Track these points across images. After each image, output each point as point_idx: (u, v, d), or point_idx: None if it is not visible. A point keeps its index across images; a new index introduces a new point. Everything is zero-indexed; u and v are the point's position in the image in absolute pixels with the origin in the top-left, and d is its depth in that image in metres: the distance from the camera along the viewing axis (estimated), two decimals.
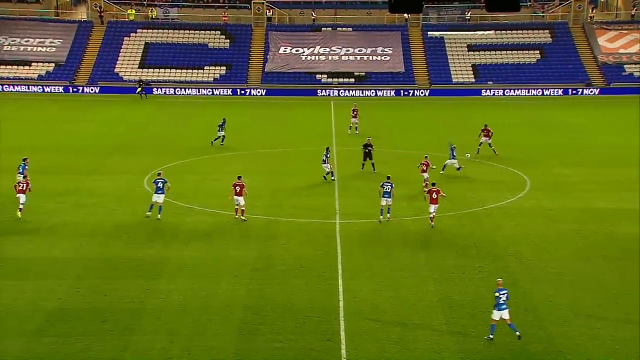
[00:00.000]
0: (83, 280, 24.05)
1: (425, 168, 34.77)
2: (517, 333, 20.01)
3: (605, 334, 20.29)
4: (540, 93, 69.53)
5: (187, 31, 77.03)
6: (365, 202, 33.42)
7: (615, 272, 24.59)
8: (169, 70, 73.30)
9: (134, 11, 78.86)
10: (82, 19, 78.90)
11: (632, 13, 77.94)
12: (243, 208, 30.49)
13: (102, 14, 77.55)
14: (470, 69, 73.41)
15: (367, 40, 75.80)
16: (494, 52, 74.51)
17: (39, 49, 74.10)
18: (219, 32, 77.18)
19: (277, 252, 26.94)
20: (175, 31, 77.09)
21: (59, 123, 53.93)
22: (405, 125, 54.23)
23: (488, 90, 70.41)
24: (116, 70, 73.05)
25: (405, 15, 77.39)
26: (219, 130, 45.13)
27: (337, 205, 32.85)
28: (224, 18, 78.83)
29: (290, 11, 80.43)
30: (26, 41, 74.62)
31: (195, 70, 73.41)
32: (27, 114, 58.18)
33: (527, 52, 74.35)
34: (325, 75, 73.17)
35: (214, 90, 71.02)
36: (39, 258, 25.97)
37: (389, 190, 30.29)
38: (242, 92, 71.14)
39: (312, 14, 79.49)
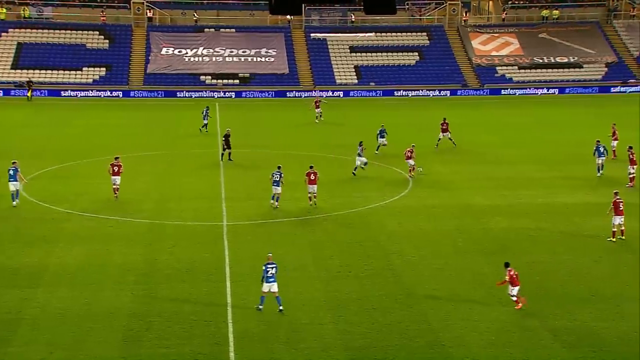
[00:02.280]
0: None
1: (409, 154, 37.91)
2: (281, 307, 21.47)
3: (483, 326, 21.16)
4: (420, 94, 71.69)
5: (64, 31, 74.31)
6: (252, 203, 33.40)
7: (493, 265, 25.70)
8: (44, 71, 70.49)
9: (4, 10, 75.25)
10: None
11: (503, 17, 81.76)
12: (118, 187, 33.23)
13: None
14: (353, 70, 74.75)
15: (251, 42, 75.71)
16: (375, 54, 76.19)
17: None
18: (98, 32, 74.94)
19: (163, 256, 26.47)
20: (51, 31, 74.19)
21: None
22: (288, 127, 54.47)
23: (372, 91, 71.94)
24: None
25: (288, 16, 77.88)
26: (204, 118, 49.09)
27: (224, 207, 32.64)
28: (102, 18, 76.55)
29: (171, 12, 79.15)
30: None
31: (73, 72, 70.97)
32: None
33: (406, 54, 76.47)
34: (210, 77, 72.52)
35: (93, 92, 68.91)
36: None
37: (277, 179, 31.73)
38: (124, 93, 69.36)
39: (194, 15, 78.54)
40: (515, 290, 21.97)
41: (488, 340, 20.37)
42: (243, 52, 74.95)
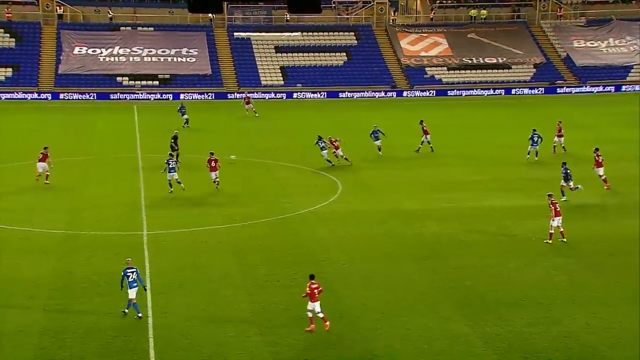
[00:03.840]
0: None
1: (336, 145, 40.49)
2: (140, 315, 21.75)
3: (414, 334, 21.50)
4: (348, 95, 72.35)
5: None
6: (173, 211, 33.05)
7: (423, 271, 26.14)
8: None
9: None
10: None
11: (431, 16, 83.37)
12: (48, 173, 36.31)
13: None
14: (279, 71, 74.85)
15: (171, 41, 74.90)
16: (301, 54, 76.50)
17: None
18: (3, 30, 72.80)
19: (79, 268, 25.93)
20: None
21: None
22: (213, 130, 54.11)
23: (299, 93, 72.15)
24: None
25: (210, 15, 77.36)
26: (182, 115, 51.86)
27: (144, 216, 32.19)
28: (7, 15, 74.38)
29: (83, 8, 77.54)
30: None
31: None
32: None
33: (333, 54, 77.05)
34: (127, 78, 71.36)
35: None
36: None
37: (173, 166, 35.36)
38: (33, 96, 67.52)
39: (108, 12, 77.19)
40: (316, 307, 21.07)
41: (420, 349, 20.70)
42: (162, 51, 74.07)
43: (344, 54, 77.22)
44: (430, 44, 79.10)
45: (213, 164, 36.21)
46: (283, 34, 77.52)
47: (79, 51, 72.60)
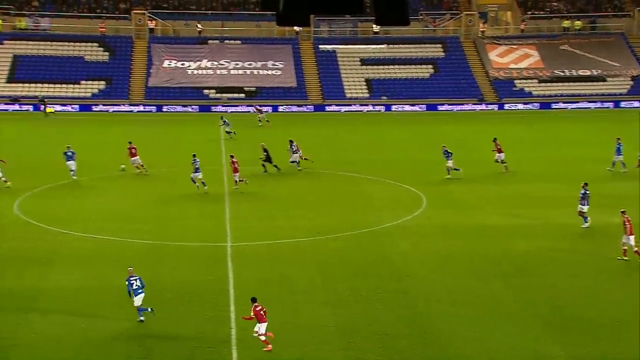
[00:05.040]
0: None
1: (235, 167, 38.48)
2: (142, 318, 22.37)
3: (503, 354, 21.05)
4: (434, 108, 71.86)
5: (61, 43, 75.02)
6: (257, 223, 33.47)
7: (510, 289, 25.61)
8: (41, 84, 71.06)
9: (0, 21, 75.95)
10: None
11: (522, 28, 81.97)
12: (142, 164, 41.06)
13: None
14: (364, 83, 75.02)
15: (257, 54, 76.16)
16: (387, 67, 76.49)
17: None
18: (97, 44, 75.56)
19: (164, 278, 26.51)
20: (48, 43, 74.90)
21: None
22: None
23: (382, 106, 72.14)
24: None
25: (296, 28, 78.40)
26: (226, 125, 54.75)
27: (228, 227, 32.71)
28: (101, 29, 77.20)
29: (174, 22, 79.74)
30: None
31: (71, 85, 71.54)
32: None
33: (420, 66, 76.75)
34: (214, 91, 72.94)
35: (92, 106, 69.44)
36: None
37: (198, 167, 37.86)
38: (124, 108, 69.80)
39: (197, 26, 79.10)
40: (262, 328, 20.72)
41: None
42: (249, 64, 75.41)
43: (431, 66, 76.79)
44: (520, 56, 77.82)
45: (235, 165, 38.25)
46: (369, 46, 77.71)
47: (168, 64, 74.70)
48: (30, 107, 67.82)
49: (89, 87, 71.95)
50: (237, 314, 23.29)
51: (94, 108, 69.47)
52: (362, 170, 44.03)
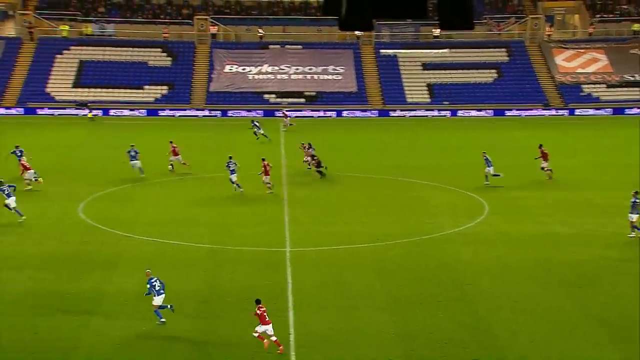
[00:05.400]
0: (10, 317, 23.57)
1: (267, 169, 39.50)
2: (163, 320, 22.84)
3: None
4: (501, 113, 71.02)
5: (126, 48, 76.62)
6: (316, 228, 33.62)
7: (576, 299, 25.17)
8: (105, 89, 72.75)
9: (67, 27, 78.04)
10: (11, 36, 77.78)
11: (590, 31, 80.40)
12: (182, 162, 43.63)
13: (32, 29, 76.64)
14: (426, 88, 74.64)
15: (318, 59, 76.53)
16: (449, 71, 75.93)
17: None
18: (160, 50, 76.98)
19: (224, 282, 26.88)
20: (112, 48, 76.59)
21: None
22: (356, 147, 54.73)
23: (445, 111, 71.65)
24: (47, 90, 72.19)
25: (357, 32, 78.48)
26: (257, 129, 55.89)
27: (287, 232, 32.95)
28: (164, 35, 78.66)
29: (236, 28, 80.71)
30: None
31: (135, 90, 73.03)
32: None
33: (483, 71, 75.98)
34: (274, 95, 73.57)
35: (155, 111, 70.75)
36: None
37: (233, 168, 38.97)
38: (186, 112, 70.87)
39: (258, 31, 79.91)
40: (268, 330, 21.19)
41: None
42: (309, 69, 75.81)
43: (494, 71, 75.97)
44: (588, 60, 76.35)
45: (267, 168, 39.09)
46: (430, 50, 77.30)
47: (229, 69, 75.65)
48: (99, 112, 69.41)
49: (152, 92, 73.35)
50: (296, 319, 23.47)
51: (156, 113, 70.72)
52: (423, 176, 43.82)
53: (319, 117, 70.42)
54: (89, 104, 68.97)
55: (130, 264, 28.72)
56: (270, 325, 21.31)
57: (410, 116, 70.71)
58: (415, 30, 79.78)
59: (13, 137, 57.97)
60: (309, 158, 44.41)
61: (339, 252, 30.27)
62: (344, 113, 70.95)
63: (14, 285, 26.23)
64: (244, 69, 75.73)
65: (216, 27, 79.32)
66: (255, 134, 55.98)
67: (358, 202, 38.22)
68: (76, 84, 73.16)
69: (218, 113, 70.94)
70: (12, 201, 33.60)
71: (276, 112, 67.61)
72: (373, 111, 71.75)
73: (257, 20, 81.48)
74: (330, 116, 70.66)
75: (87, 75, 73.87)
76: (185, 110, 71.21)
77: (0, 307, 24.29)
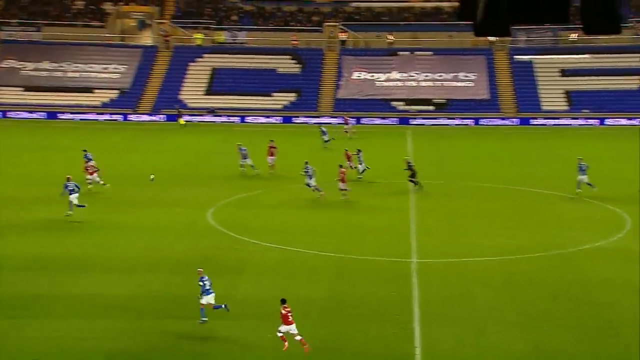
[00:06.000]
0: (144, 319, 24.50)
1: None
2: (223, 305, 23.51)
3: None
4: None
5: (256, 56, 78.55)
6: (443, 239, 33.20)
7: None
8: (235, 97, 74.77)
9: (202, 35, 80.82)
10: (148, 44, 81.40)
11: None
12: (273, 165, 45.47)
13: (168, 38, 79.95)
14: (563, 95, 72.35)
15: (448, 65, 75.74)
16: (590, 78, 73.26)
17: (103, 75, 76.73)
18: (289, 57, 78.39)
19: (348, 292, 26.94)
20: (243, 56, 78.72)
21: (118, 152, 55.28)
22: (489, 156, 53.70)
23: (584, 120, 69.17)
24: (181, 97, 74.99)
25: (491, 38, 77.06)
26: (323, 135, 56.59)
27: (414, 243, 32.70)
28: (293, 42, 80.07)
29: (365, 34, 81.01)
30: (90, 67, 77.40)
31: (264, 97, 74.68)
32: (86, 144, 59.73)
33: (627, 77, 72.85)
34: (402, 103, 73.35)
35: (281, 118, 72.08)
36: (94, 295, 26.50)
37: (311, 174, 39.59)
38: (311, 119, 71.70)
39: (387, 37, 79.91)
40: (291, 329, 21.57)
41: None
42: (439, 76, 75.15)
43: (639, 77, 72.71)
44: None
45: (343, 175, 39.71)
46: (570, 56, 74.85)
47: (357, 76, 76.09)
48: (234, 118, 71.49)
49: (280, 99, 74.80)
50: (422, 333, 23.22)
51: (281, 120, 71.97)
52: (556, 187, 42.45)
53: (455, 125, 69.49)
54: (180, 110, 71.11)
55: (256, 270, 29.31)
56: (294, 325, 21.66)
57: (552, 125, 68.67)
58: (553, 35, 77.49)
59: (145, 144, 60.54)
60: (360, 166, 44.33)
61: (467, 265, 29.75)
62: (482, 121, 69.69)
63: (148, 287, 27.20)
64: (372, 76, 75.96)
65: (346, 33, 79.97)
66: (326, 141, 56.07)
67: (489, 213, 37.48)
68: (208, 91, 75.64)
69: (353, 121, 71.30)
70: (74, 198, 35.47)
71: (407, 120, 67.29)
72: (512, 119, 70.16)
73: (387, 27, 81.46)
74: (467, 125, 69.60)
75: (218, 83, 76.23)
76: (322, 117, 71.64)
77: (135, 310, 25.18)
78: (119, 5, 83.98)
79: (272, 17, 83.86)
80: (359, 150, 45.46)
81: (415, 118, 70.69)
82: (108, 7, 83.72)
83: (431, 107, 72.63)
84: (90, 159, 42.84)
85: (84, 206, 35.73)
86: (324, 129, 58.21)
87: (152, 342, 22.83)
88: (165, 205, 39.24)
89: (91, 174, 40.96)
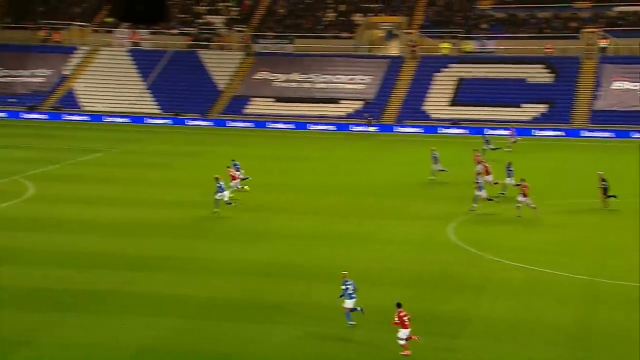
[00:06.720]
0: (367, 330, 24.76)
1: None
2: (352, 322, 24.00)
3: None
4: None
5: (504, 65, 77.12)
6: None
7: None
8: (481, 108, 73.77)
9: (449, 45, 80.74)
10: (394, 54, 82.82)
11: None
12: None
13: (415, 48, 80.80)
14: None
15: None
16: None
17: (349, 85, 79.23)
18: (542, 66, 76.01)
19: (599, 319, 25.56)
20: (490, 65, 77.54)
21: (360, 164, 56.59)
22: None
23: None
24: (424, 107, 75.37)
25: None
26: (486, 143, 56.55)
27: None
28: (547, 50, 77.52)
29: (630, 40, 76.34)
30: (337, 78, 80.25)
31: (511, 108, 73.00)
32: (330, 154, 61.89)
33: None
34: None
35: (531, 130, 69.94)
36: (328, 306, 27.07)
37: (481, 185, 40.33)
38: (566, 133, 69.00)
39: None
40: (403, 334, 22.00)
41: None
42: None
43: None
44: None
45: (525, 189, 38.57)
46: None
47: (617, 86, 72.06)
48: (469, 130, 70.71)
49: (529, 111, 72.71)
50: None
51: (535, 132, 69.75)
52: None
53: None
54: (370, 119, 72.08)
55: (498, 290, 28.67)
56: (409, 330, 21.99)
57: None
58: None
59: (388, 155, 61.53)
60: (508, 180, 42.79)
61: None
62: None
63: (368, 300, 26.90)
64: (635, 86, 71.52)
65: (607, 40, 76.03)
66: (492, 149, 55.64)
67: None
68: (452, 102, 75.35)
69: (602, 133, 67.79)
70: (224, 195, 38.75)
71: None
72: None
73: None
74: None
75: (464, 93, 75.70)
76: (565, 130, 69.10)
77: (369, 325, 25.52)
78: (368, 17, 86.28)
79: (525, 24, 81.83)
80: (510, 164, 44.12)
81: None
82: (358, 18, 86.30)
83: None
84: (239, 169, 44.14)
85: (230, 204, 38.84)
86: (487, 138, 57.78)
87: (370, 353, 22.97)
88: (403, 218, 39.50)
89: (234, 178, 42.67)
